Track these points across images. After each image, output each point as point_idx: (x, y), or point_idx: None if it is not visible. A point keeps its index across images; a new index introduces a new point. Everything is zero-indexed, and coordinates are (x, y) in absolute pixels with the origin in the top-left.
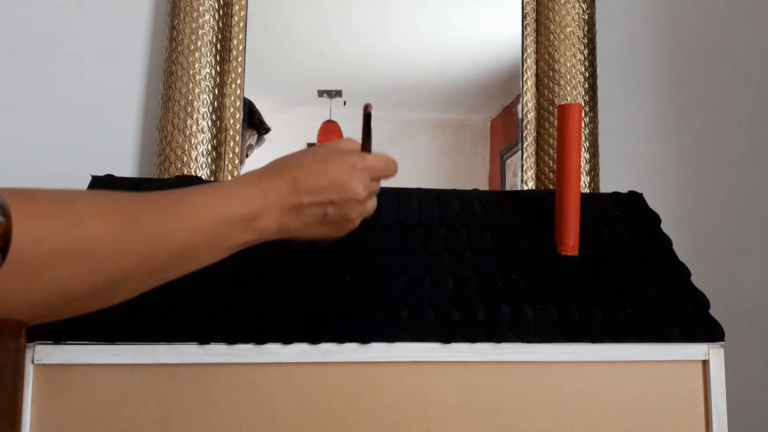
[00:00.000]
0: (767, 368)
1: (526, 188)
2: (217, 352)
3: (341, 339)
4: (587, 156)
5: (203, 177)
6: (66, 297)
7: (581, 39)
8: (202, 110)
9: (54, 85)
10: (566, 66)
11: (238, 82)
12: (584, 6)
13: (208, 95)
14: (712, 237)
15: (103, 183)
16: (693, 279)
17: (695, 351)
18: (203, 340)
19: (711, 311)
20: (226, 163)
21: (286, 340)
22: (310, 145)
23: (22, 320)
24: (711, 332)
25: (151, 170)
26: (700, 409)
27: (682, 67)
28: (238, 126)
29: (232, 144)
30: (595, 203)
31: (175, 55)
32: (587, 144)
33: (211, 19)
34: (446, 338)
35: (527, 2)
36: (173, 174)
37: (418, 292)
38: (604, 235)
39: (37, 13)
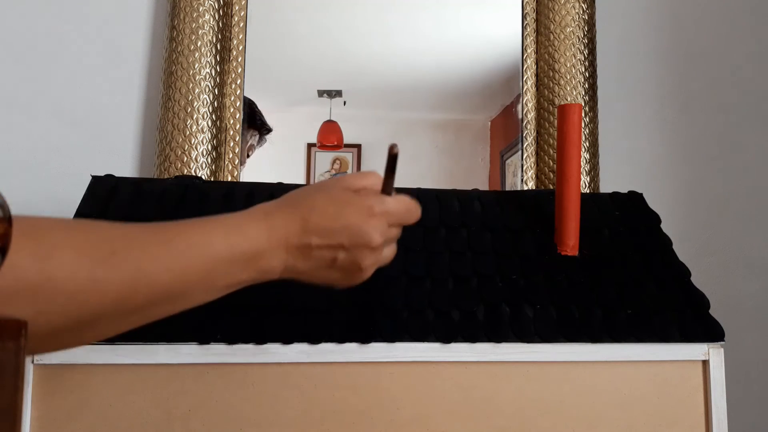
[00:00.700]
0: (767, 368)
1: (526, 188)
2: (217, 352)
3: (341, 339)
4: (587, 156)
5: (203, 177)
6: (29, 334)
7: (581, 39)
8: (202, 110)
9: (54, 85)
10: (566, 66)
11: (238, 82)
12: (584, 6)
13: (208, 95)
14: (712, 237)
15: (103, 183)
16: (693, 279)
17: (695, 351)
18: (203, 340)
19: (711, 311)
20: (226, 163)
21: (286, 340)
22: (310, 145)
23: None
24: (711, 332)
25: (151, 170)
26: (700, 409)
27: (682, 67)
28: (238, 126)
29: (232, 144)
30: (595, 203)
31: (175, 55)
32: (587, 144)
33: (211, 19)
34: (446, 338)
35: (527, 2)
36: (173, 174)
37: (418, 292)
38: (604, 235)
39: (37, 14)
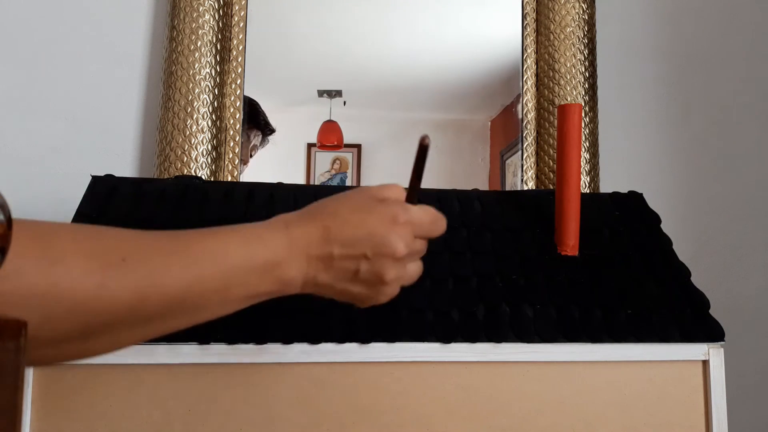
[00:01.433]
0: (767, 368)
1: (526, 188)
2: (217, 352)
3: (341, 339)
4: (587, 156)
5: (203, 177)
6: (32, 342)
7: (581, 39)
8: (202, 110)
9: (54, 85)
10: (566, 66)
11: (238, 82)
12: (584, 6)
13: (208, 95)
14: (712, 237)
15: (103, 183)
16: (693, 279)
17: (695, 351)
18: (203, 340)
19: (711, 311)
20: (226, 163)
21: (286, 340)
22: (310, 145)
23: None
24: (711, 332)
25: (151, 170)
26: (700, 409)
27: (681, 67)
28: (238, 126)
29: (232, 144)
30: (595, 203)
31: (175, 55)
32: (587, 144)
33: (211, 19)
34: (446, 338)
35: (527, 2)
36: (173, 174)
37: (418, 292)
38: (604, 235)
39: (38, 13)
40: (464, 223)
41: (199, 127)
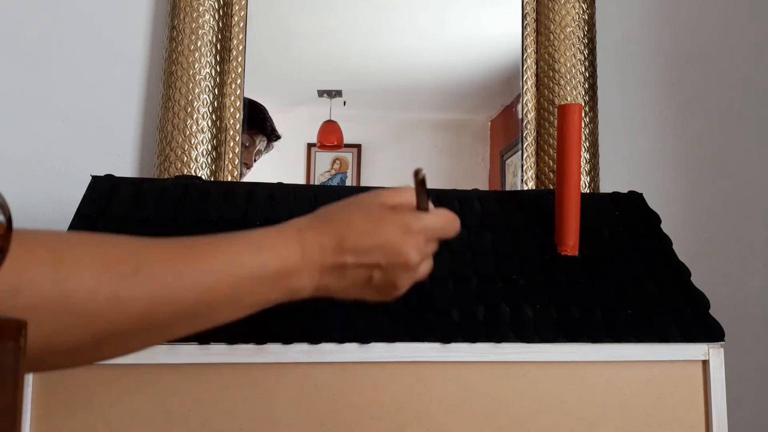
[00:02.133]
0: (767, 368)
1: (526, 188)
2: (217, 352)
3: (341, 339)
4: (587, 156)
5: (203, 177)
6: (46, 351)
7: (581, 39)
8: (202, 110)
9: (54, 85)
10: (566, 66)
11: (238, 82)
12: (584, 6)
13: (208, 95)
14: (712, 237)
15: (103, 183)
16: (693, 279)
17: (695, 351)
18: (203, 340)
19: (711, 311)
20: (226, 163)
21: (286, 340)
22: (310, 145)
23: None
24: (711, 332)
25: (151, 170)
26: (700, 409)
27: (681, 67)
28: (238, 126)
29: (232, 144)
30: (595, 203)
31: (175, 55)
32: (587, 144)
33: (211, 19)
34: (446, 338)
35: (527, 2)
36: (173, 174)
37: (418, 292)
38: (604, 235)
39: (37, 14)
40: (464, 223)
41: (199, 127)
